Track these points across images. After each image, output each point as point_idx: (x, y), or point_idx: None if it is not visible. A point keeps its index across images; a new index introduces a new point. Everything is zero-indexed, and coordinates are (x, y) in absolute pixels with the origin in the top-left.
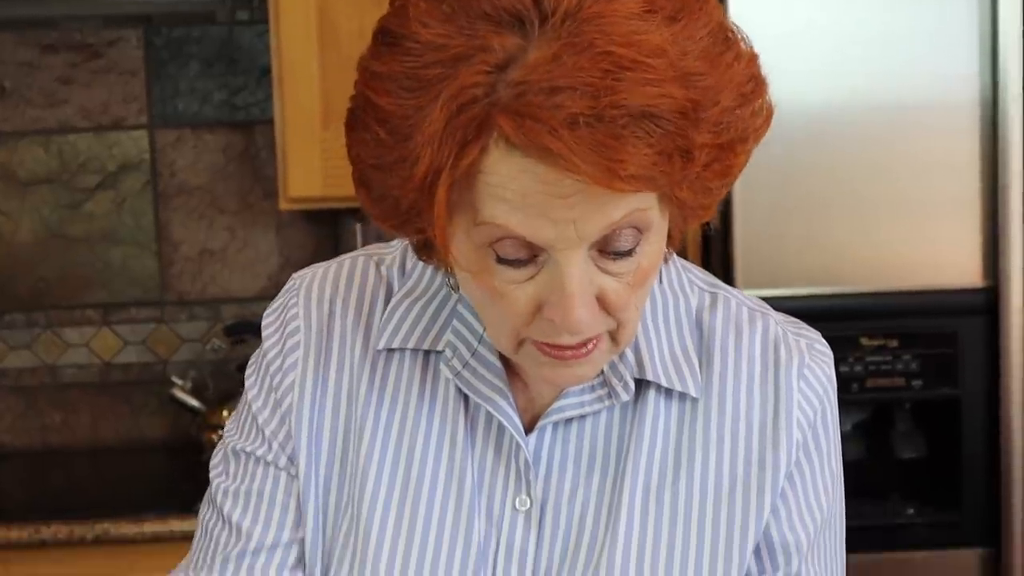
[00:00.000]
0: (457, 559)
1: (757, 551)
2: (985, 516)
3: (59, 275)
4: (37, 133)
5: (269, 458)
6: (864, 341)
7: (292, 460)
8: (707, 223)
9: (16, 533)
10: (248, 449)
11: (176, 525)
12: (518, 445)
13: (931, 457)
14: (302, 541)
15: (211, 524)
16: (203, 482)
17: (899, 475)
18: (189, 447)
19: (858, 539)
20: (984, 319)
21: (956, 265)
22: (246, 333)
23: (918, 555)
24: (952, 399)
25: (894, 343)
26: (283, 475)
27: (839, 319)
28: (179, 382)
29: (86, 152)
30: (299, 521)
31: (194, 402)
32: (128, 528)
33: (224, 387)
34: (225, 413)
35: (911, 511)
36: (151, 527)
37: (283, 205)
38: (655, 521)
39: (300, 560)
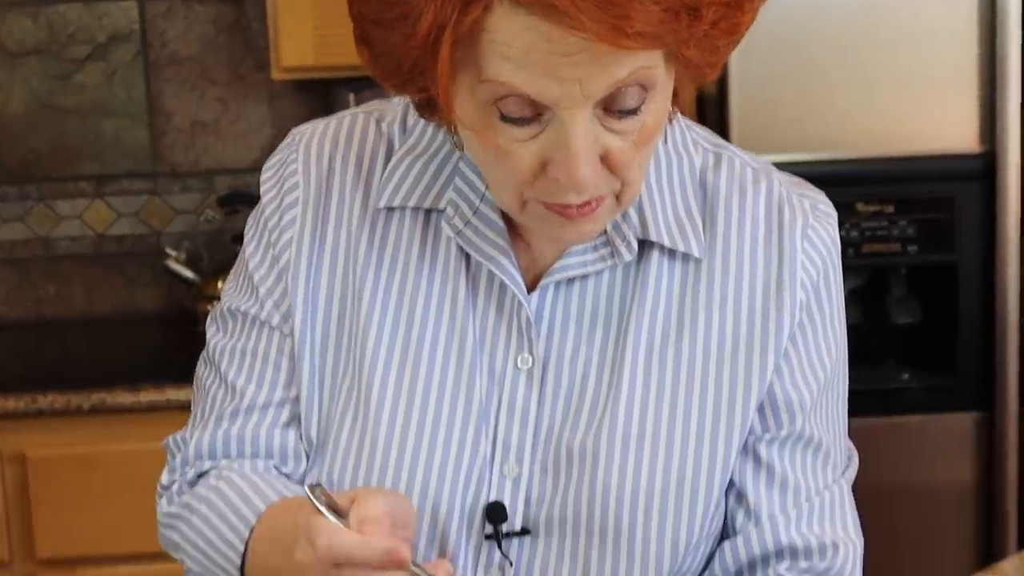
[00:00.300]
0: (459, 417)
1: (761, 410)
2: (979, 381)
3: (51, 147)
4: (26, 3)
5: (263, 317)
6: (860, 207)
7: (286, 319)
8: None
9: (13, 403)
10: (243, 308)
11: (172, 394)
12: (520, 304)
13: (926, 322)
14: (296, 400)
15: (207, 382)
16: (199, 352)
17: (895, 340)
18: (184, 318)
19: (854, 404)
20: (981, 184)
21: (953, 131)
22: (240, 204)
23: (913, 419)
24: (948, 264)
25: (890, 209)
26: (276, 334)
27: (835, 185)
28: (173, 253)
29: (76, 23)
30: (292, 381)
31: (188, 273)
32: (124, 397)
33: (219, 258)
34: (220, 284)
35: (906, 376)
36: (147, 396)
37: (275, 75)
38: (658, 380)
39: (293, 419)
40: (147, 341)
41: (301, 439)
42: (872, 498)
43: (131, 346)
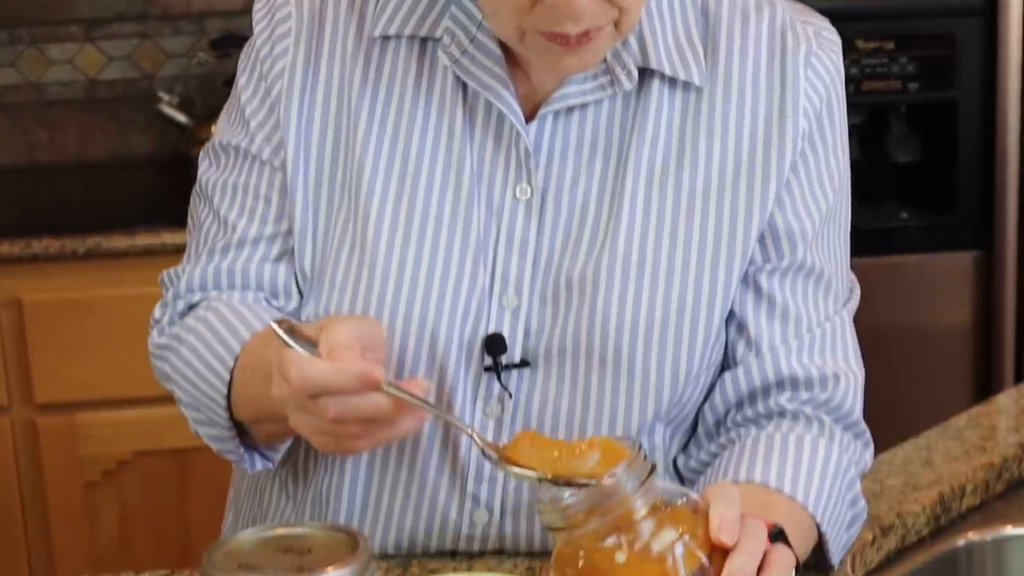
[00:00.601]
0: (456, 248)
1: (762, 240)
2: (978, 219)
3: None
4: None
5: (253, 151)
6: (860, 43)
7: (277, 152)
8: None
9: (8, 248)
10: (234, 143)
11: (168, 238)
12: (518, 134)
13: (926, 160)
14: (287, 235)
15: (201, 216)
16: None
17: (894, 179)
18: (177, 162)
19: (852, 243)
20: (982, 20)
21: None
22: (231, 47)
23: (912, 258)
24: (948, 102)
25: (890, 45)
26: (267, 169)
27: (834, 21)
28: (166, 97)
29: None
30: (282, 215)
31: (181, 117)
32: (120, 241)
33: (211, 101)
34: (213, 128)
35: (905, 215)
36: (143, 240)
37: None
38: (658, 209)
39: (284, 254)
40: (141, 185)
41: (294, 274)
42: (870, 338)
43: (125, 190)
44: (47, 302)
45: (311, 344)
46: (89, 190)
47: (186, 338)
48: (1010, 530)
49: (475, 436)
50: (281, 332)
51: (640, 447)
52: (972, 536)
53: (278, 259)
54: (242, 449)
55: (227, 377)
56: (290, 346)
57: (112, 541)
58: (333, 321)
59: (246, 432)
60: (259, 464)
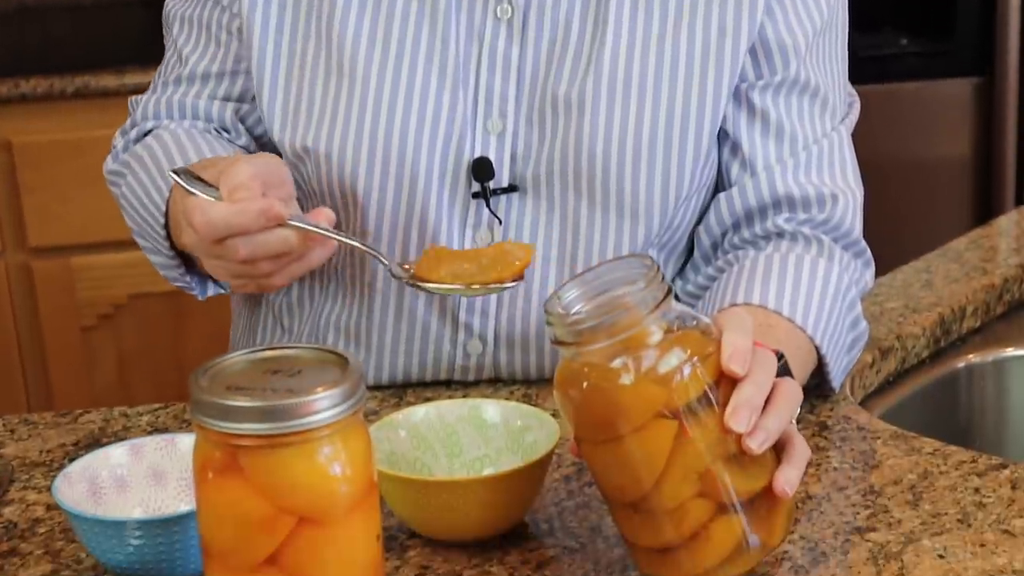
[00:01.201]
0: (434, 74)
1: (753, 54)
2: (978, 43)
3: None
4: None
5: None
6: None
7: None
8: None
9: None
10: None
11: None
12: None
13: None
14: (234, 75)
15: (166, 46)
16: None
17: (892, 3)
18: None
19: (849, 71)
20: None
21: None
22: None
23: (910, 86)
24: None
25: None
26: (218, 8)
27: None
28: None
29: None
30: (229, 56)
31: None
32: (109, 80)
33: None
34: None
35: (904, 41)
36: (132, 79)
37: None
38: (644, 26)
39: (230, 95)
40: (129, 24)
41: (239, 115)
42: (867, 168)
43: (113, 29)
44: (37, 143)
45: (214, 188)
46: (77, 29)
47: (133, 165)
48: (1010, 352)
49: (382, 258)
50: (180, 180)
51: (658, 268)
52: (972, 358)
53: (225, 99)
54: (188, 277)
55: (164, 207)
56: (192, 193)
57: (110, 385)
58: (232, 163)
59: (193, 260)
60: (211, 290)
